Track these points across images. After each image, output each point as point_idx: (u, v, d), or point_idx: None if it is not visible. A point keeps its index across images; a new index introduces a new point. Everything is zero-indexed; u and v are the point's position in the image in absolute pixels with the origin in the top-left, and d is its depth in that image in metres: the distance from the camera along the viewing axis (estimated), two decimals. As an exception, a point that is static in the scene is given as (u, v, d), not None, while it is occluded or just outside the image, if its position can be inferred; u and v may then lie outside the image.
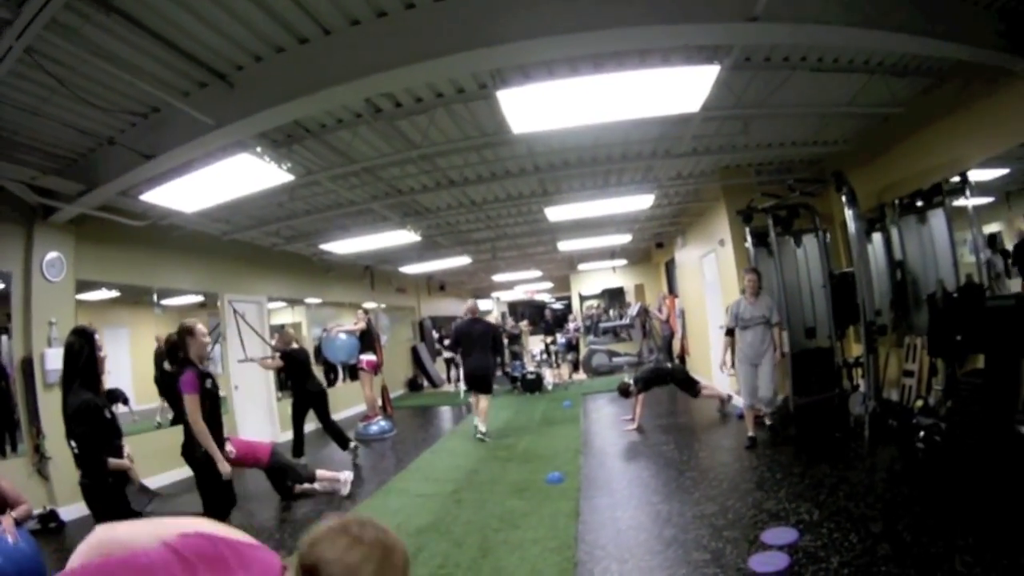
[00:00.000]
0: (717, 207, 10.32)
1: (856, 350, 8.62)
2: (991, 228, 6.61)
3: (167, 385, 7.52)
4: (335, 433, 8.15)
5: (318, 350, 12.18)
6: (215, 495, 4.48)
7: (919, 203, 7.24)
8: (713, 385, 9.83)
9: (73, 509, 6.24)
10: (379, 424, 10.46)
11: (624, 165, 8.72)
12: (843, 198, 7.41)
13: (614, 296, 25.57)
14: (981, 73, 5.73)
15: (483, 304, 27.70)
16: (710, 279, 11.49)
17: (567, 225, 11.95)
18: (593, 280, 21.78)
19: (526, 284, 25.65)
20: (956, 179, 6.49)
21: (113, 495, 3.85)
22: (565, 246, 13.93)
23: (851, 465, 5.98)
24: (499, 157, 7.90)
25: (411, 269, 14.72)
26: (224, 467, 4.39)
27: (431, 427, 11.13)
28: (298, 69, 4.61)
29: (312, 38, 4.50)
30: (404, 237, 10.35)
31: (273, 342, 8.83)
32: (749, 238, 8.84)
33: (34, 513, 4.99)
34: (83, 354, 3.79)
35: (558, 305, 25.29)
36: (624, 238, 13.76)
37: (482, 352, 9.45)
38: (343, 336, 10.45)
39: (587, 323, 20.29)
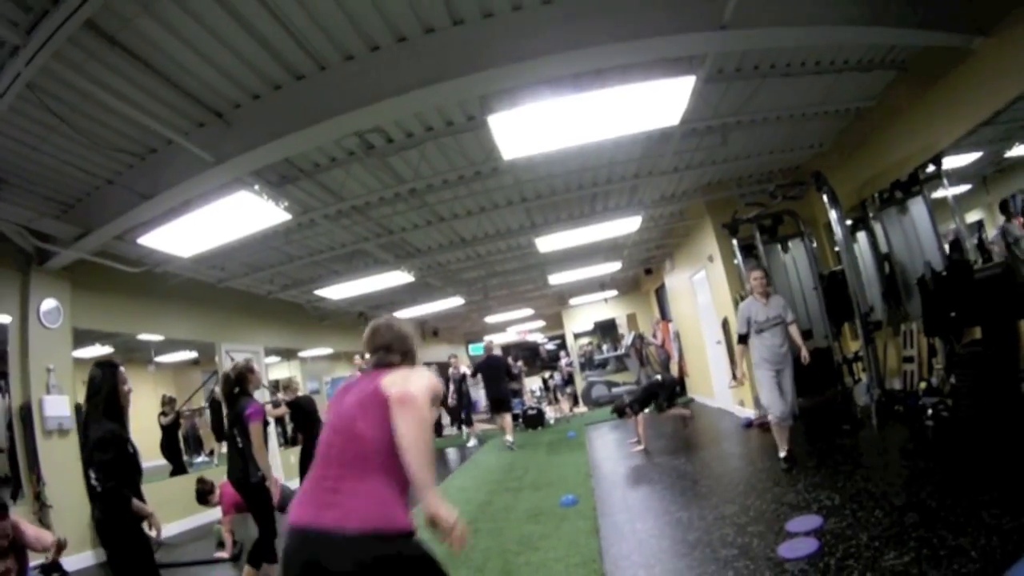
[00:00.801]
0: (703, 224, 10.47)
1: (853, 346, 8.75)
2: (973, 216, 6.79)
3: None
4: None
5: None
6: (269, 517, 4.86)
7: (898, 194, 7.43)
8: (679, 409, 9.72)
9: (78, 559, 6.17)
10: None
11: (609, 188, 8.84)
12: (825, 198, 7.64)
13: (606, 331, 25.57)
14: (941, 58, 5.97)
15: (473, 350, 27.69)
16: (702, 297, 11.62)
17: (557, 256, 12.03)
18: (585, 314, 21.79)
19: (518, 324, 25.63)
20: (932, 168, 6.67)
21: (133, 532, 3.65)
22: (556, 279, 14.00)
23: (864, 451, 6.09)
24: (487, 189, 8.01)
25: (405, 313, 14.70)
26: (276, 491, 4.89)
27: (437, 467, 10.96)
28: (295, 105, 4.73)
29: (308, 74, 4.64)
30: (397, 278, 10.39)
31: (280, 394, 8.78)
32: (737, 250, 8.97)
33: (31, 565, 4.90)
34: (105, 385, 3.71)
35: (551, 345, 25.18)
36: (614, 266, 13.85)
37: (497, 381, 11.98)
38: None
39: (582, 359, 20.29)
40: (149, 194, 5.50)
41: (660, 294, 17.53)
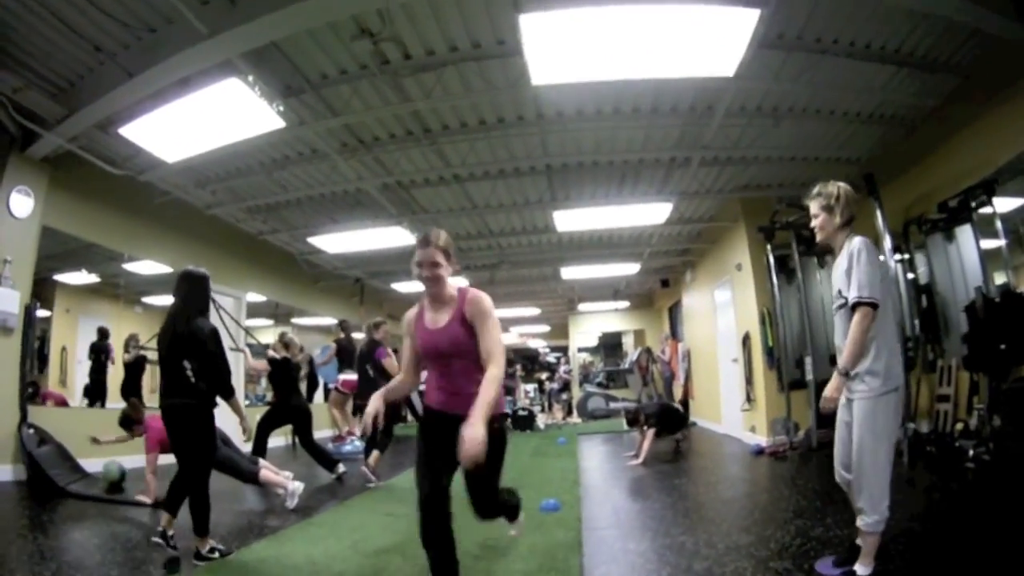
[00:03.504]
0: (734, 229, 9.63)
1: None
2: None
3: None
4: (319, 454, 7.17)
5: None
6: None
7: (944, 220, 6.70)
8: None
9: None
10: (353, 443, 9.53)
11: (640, 170, 8.08)
12: (874, 204, 6.75)
13: (611, 349, 24.75)
14: (1005, 70, 5.52)
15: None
16: (722, 313, 10.71)
17: (574, 242, 11.34)
18: (592, 323, 20.86)
19: (522, 326, 24.78)
20: (983, 196, 5.96)
21: (210, 429, 4.14)
22: (569, 273, 13.11)
23: (898, 489, 5.09)
24: (509, 145, 7.17)
25: (404, 287, 13.80)
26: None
27: (410, 453, 9.98)
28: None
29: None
30: (398, 236, 9.48)
31: (272, 345, 7.85)
32: (771, 258, 8.12)
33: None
34: (201, 288, 4.33)
35: (552, 357, 24.27)
36: (631, 268, 12.95)
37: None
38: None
39: (581, 375, 19.45)
40: (137, 71, 4.99)
41: (673, 312, 16.68)
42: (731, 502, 5.41)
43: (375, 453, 6.90)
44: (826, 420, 7.09)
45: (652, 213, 8.94)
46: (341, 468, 7.12)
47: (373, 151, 7.09)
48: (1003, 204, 5.87)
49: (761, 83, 5.85)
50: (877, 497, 3.13)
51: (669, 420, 8.26)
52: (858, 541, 3.24)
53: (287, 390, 7.18)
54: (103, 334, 8.27)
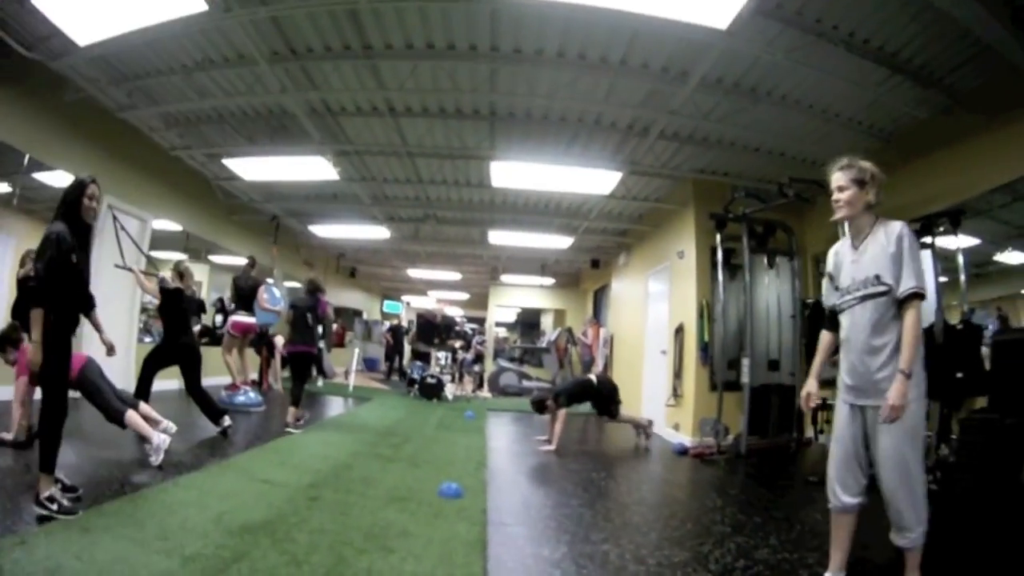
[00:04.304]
0: (682, 214, 9.05)
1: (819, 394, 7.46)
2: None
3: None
4: (204, 402, 6.32)
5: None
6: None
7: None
8: (631, 412, 8.31)
9: None
10: (247, 395, 8.67)
11: (594, 134, 7.43)
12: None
13: (528, 327, 24.31)
14: (998, 99, 5.42)
15: (388, 307, 26.25)
16: (654, 301, 10.15)
17: (508, 203, 10.68)
18: (514, 296, 20.12)
19: (441, 291, 24.00)
20: (947, 225, 5.84)
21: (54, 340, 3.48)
22: (497, 239, 12.33)
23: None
24: (454, 80, 6.40)
25: (322, 230, 12.77)
26: None
27: (311, 410, 9.15)
28: None
29: None
30: (319, 169, 8.57)
31: (164, 273, 6.87)
32: (720, 250, 7.55)
33: None
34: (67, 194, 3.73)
35: (468, 327, 23.55)
36: (563, 242, 12.26)
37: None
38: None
39: (497, 348, 18.84)
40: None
41: (599, 296, 16.24)
42: (658, 507, 4.79)
43: None
44: (758, 427, 6.71)
45: (598, 182, 8.25)
46: (227, 421, 6.36)
47: (303, 61, 6.14)
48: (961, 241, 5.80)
49: (751, 48, 5.25)
50: (921, 508, 2.81)
51: (581, 392, 7.68)
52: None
53: (177, 325, 6.38)
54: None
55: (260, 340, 11.26)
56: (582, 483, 5.42)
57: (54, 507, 3.32)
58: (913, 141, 6.52)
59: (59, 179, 7.45)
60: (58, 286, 3.44)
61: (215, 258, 12.11)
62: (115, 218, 7.83)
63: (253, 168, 8.91)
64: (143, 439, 4.85)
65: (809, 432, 7.73)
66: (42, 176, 7.37)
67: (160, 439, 4.79)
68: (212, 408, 6.32)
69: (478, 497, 4.56)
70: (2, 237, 7.10)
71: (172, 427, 5.32)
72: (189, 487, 4.25)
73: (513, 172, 8.00)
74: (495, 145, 7.90)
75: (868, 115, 6.51)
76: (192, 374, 6.30)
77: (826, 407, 6.96)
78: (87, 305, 3.93)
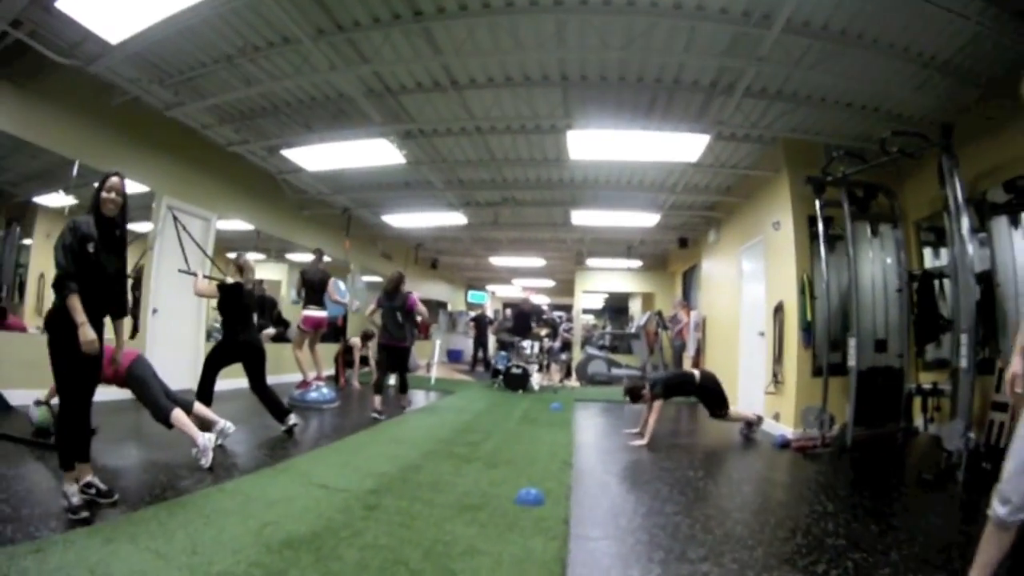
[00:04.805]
0: (774, 181, 8.29)
1: (924, 378, 6.86)
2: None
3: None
4: (271, 401, 6.11)
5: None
6: None
7: (1012, 201, 5.85)
8: (739, 409, 7.64)
9: None
10: (320, 391, 8.41)
11: (675, 94, 6.83)
12: (945, 165, 5.52)
13: (616, 313, 23.67)
14: None
15: (473, 297, 26.03)
16: (750, 279, 9.37)
17: (588, 179, 10.08)
18: (600, 281, 19.36)
19: (526, 279, 23.55)
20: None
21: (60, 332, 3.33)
22: (579, 219, 11.67)
23: (971, 519, 4.00)
24: (517, 39, 5.83)
25: (396, 220, 12.43)
26: None
27: (386, 407, 8.79)
28: None
29: None
30: (383, 153, 8.13)
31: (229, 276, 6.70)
32: (820, 217, 6.74)
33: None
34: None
35: (556, 315, 23.08)
36: (649, 219, 11.54)
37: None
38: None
39: (584, 336, 18.26)
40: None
41: (688, 278, 15.41)
42: (763, 514, 4.14)
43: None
44: (864, 416, 5.93)
45: (683, 148, 7.51)
46: (292, 419, 6.09)
47: (349, 34, 5.76)
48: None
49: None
50: None
51: (680, 386, 7.09)
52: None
53: (237, 322, 6.06)
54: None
55: (336, 336, 11.12)
56: (677, 484, 4.84)
57: (64, 503, 3.22)
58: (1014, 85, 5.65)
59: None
60: (76, 276, 3.27)
61: (292, 256, 11.98)
62: (175, 219, 7.82)
63: (315, 157, 8.60)
64: (191, 441, 4.59)
65: (917, 421, 6.92)
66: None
67: (205, 440, 4.55)
68: (277, 406, 6.10)
69: (560, 504, 4.04)
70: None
71: (230, 427, 5.17)
72: (236, 493, 3.92)
73: (591, 143, 7.34)
74: (570, 113, 7.31)
75: (965, 56, 5.70)
76: (256, 372, 6.07)
77: (937, 392, 6.42)
78: (114, 307, 3.66)
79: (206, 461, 4.46)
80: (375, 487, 4.25)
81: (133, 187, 7.42)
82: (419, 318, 8.55)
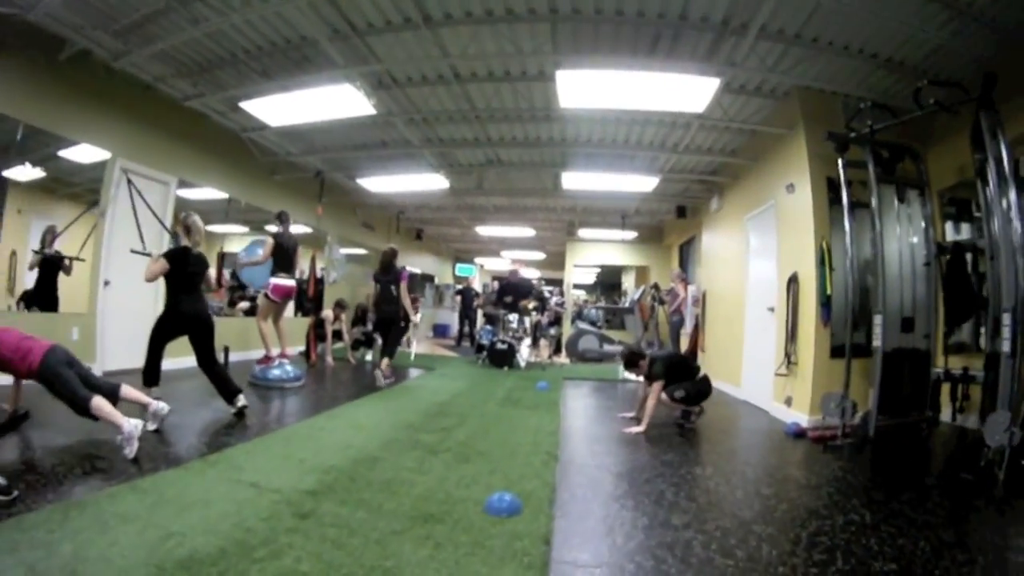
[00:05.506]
0: (788, 140, 7.42)
1: (953, 362, 6.11)
2: None
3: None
4: (219, 379, 5.48)
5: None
6: None
7: None
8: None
9: None
10: (283, 368, 7.58)
11: (681, 33, 5.96)
12: (984, 122, 4.74)
13: (609, 288, 23.06)
14: None
15: (461, 270, 25.34)
16: (758, 250, 8.52)
17: (581, 135, 9.12)
18: (592, 253, 18.37)
19: (514, 251, 22.71)
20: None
21: None
22: (571, 182, 10.73)
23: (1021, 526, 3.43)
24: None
25: (373, 183, 11.39)
26: None
27: (354, 386, 8.02)
28: None
29: None
30: (352, 103, 7.15)
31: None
32: (843, 178, 5.89)
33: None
34: None
35: (547, 289, 22.35)
36: (647, 184, 10.60)
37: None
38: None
39: (575, 311, 17.49)
40: None
41: (685, 250, 14.63)
42: (790, 528, 3.32)
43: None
44: (888, 403, 5.24)
45: (689, 95, 6.53)
46: (242, 401, 5.41)
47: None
48: None
49: None
50: None
51: (680, 370, 6.22)
52: None
53: (181, 290, 5.31)
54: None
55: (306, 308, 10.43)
56: (683, 485, 4.05)
57: None
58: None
59: (80, 155, 7.14)
60: None
61: (273, 228, 11.14)
62: (131, 183, 7.34)
63: (277, 110, 7.67)
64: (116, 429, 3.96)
65: (946, 409, 6.24)
66: (66, 153, 7.02)
67: (131, 426, 3.91)
68: (226, 386, 5.44)
69: (541, 514, 3.25)
70: (46, 221, 6.83)
71: (163, 408, 4.60)
72: (149, 492, 3.21)
73: (584, 88, 6.39)
74: (559, 51, 6.38)
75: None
76: (203, 347, 5.42)
77: (967, 379, 5.78)
78: None
79: (131, 451, 3.88)
80: (315, 487, 3.49)
81: (86, 150, 7.14)
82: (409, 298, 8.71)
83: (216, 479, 3.54)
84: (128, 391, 4.43)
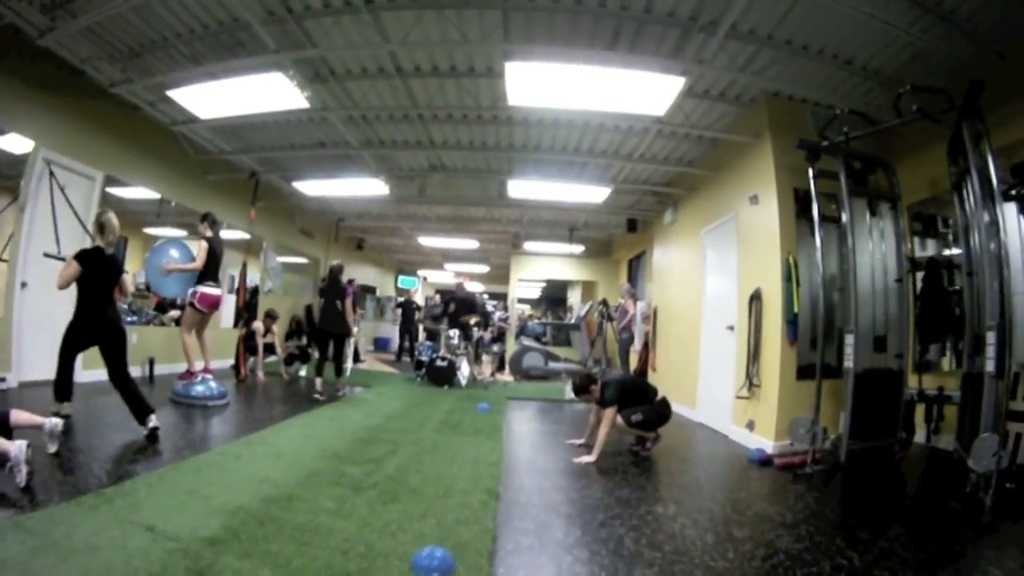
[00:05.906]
0: (753, 149, 7.05)
1: (927, 381, 5.88)
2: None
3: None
4: (131, 395, 4.99)
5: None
6: None
7: (1018, 185, 4.88)
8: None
9: None
10: (207, 385, 6.92)
11: (645, 27, 5.53)
12: (967, 132, 4.51)
13: (554, 303, 22.90)
14: None
15: (403, 282, 24.78)
16: (715, 261, 8.13)
17: (530, 139, 8.59)
18: (538, 267, 17.90)
19: (459, 264, 22.20)
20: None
21: None
22: (517, 190, 10.25)
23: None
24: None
25: (309, 187, 10.69)
26: None
27: (283, 405, 7.41)
28: None
29: None
30: (285, 95, 6.58)
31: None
32: (813, 189, 5.50)
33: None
34: None
35: (490, 304, 21.87)
36: (598, 194, 10.17)
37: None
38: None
39: (519, 326, 17.02)
40: None
41: (634, 265, 14.27)
42: (765, 566, 2.84)
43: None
44: (860, 426, 5.03)
45: (649, 96, 6.08)
46: (153, 421, 4.89)
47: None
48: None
49: None
50: None
51: (634, 394, 5.73)
52: None
53: (93, 296, 4.93)
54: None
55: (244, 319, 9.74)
56: (645, 528, 3.51)
57: None
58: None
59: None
60: None
61: (226, 234, 10.38)
62: (52, 175, 6.85)
63: (207, 101, 7.04)
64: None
65: (920, 431, 5.94)
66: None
67: (17, 450, 3.39)
68: (138, 403, 4.97)
69: (477, 573, 2.66)
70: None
71: (57, 425, 4.06)
72: (32, 534, 2.76)
73: (536, 82, 5.86)
74: (510, 40, 5.82)
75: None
76: (114, 359, 5.02)
77: (943, 399, 5.49)
78: None
79: (21, 478, 3.39)
80: (218, 533, 2.92)
81: (14, 140, 6.67)
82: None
83: (109, 519, 2.98)
84: (18, 416, 3.85)
